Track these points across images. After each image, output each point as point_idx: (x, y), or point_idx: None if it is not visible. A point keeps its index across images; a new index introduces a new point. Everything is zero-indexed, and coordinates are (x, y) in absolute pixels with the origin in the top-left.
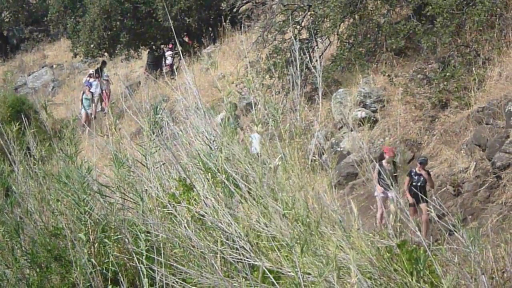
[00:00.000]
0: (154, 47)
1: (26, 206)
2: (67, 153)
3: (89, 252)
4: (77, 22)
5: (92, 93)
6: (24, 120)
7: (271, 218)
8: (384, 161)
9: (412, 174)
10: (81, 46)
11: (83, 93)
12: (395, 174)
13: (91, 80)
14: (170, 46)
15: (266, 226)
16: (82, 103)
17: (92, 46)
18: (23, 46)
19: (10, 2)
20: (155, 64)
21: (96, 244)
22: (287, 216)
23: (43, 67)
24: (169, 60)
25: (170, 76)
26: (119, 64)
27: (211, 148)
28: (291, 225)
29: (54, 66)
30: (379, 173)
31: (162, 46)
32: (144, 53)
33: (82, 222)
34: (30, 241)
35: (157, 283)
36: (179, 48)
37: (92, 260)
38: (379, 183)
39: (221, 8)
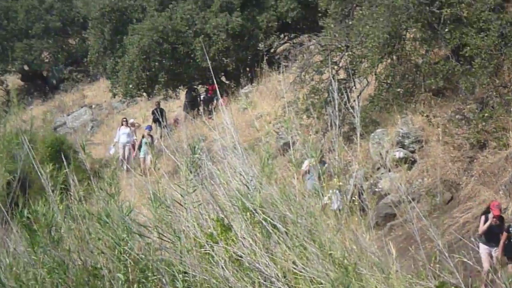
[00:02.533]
0: (192, 87)
1: (68, 245)
2: (108, 192)
3: None
4: (116, 62)
5: (120, 142)
6: (63, 160)
7: (309, 259)
8: (489, 215)
9: (511, 230)
10: (120, 87)
11: (143, 136)
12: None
13: (122, 127)
14: (209, 88)
15: (304, 268)
16: (139, 147)
17: (130, 86)
18: (62, 86)
19: (50, 43)
20: (192, 104)
21: (134, 284)
22: (325, 257)
23: (82, 107)
24: (204, 99)
25: (208, 115)
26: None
27: (248, 188)
28: (330, 267)
29: (93, 106)
30: (487, 229)
31: (199, 86)
32: (182, 93)
33: (121, 262)
34: (73, 281)
35: None
36: (217, 88)
37: None
38: (485, 239)
39: (258, 48)
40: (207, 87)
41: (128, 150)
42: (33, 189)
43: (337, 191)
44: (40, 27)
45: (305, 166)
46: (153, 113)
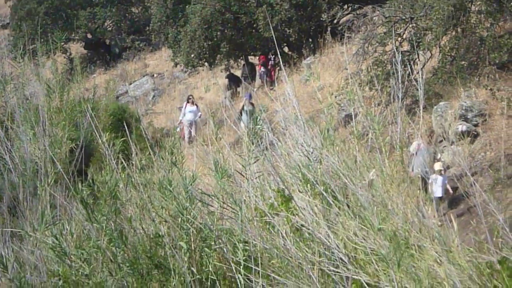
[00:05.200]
0: (253, 56)
1: (128, 214)
2: (172, 161)
3: (190, 260)
4: (178, 32)
5: (185, 120)
6: (125, 128)
7: (369, 231)
8: None
9: None
10: (181, 56)
11: (243, 106)
12: None
13: (188, 105)
14: (262, 59)
15: (364, 239)
16: (241, 115)
17: (192, 56)
18: (124, 55)
19: (113, 11)
20: (246, 77)
21: (196, 253)
22: (383, 229)
23: (144, 76)
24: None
25: (269, 86)
26: (219, 74)
27: (309, 160)
28: (388, 238)
29: (155, 75)
30: None
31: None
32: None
33: (183, 230)
34: (133, 249)
35: None
36: (280, 59)
37: (192, 268)
38: None
39: (321, 19)
40: (262, 59)
41: (194, 128)
42: (96, 157)
43: (440, 176)
44: None
45: (413, 148)
46: (228, 77)
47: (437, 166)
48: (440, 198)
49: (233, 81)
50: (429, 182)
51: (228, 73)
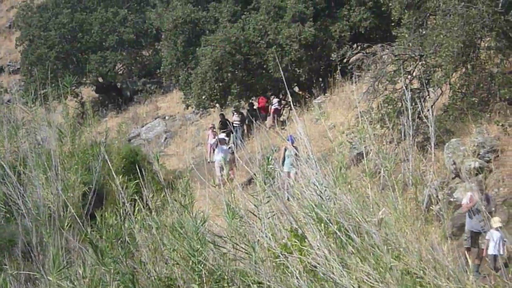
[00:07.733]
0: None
1: (140, 256)
2: (182, 203)
3: None
4: (189, 74)
5: (216, 160)
6: (138, 171)
7: (382, 270)
8: None
9: None
10: (193, 98)
11: (285, 149)
12: None
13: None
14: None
15: (378, 279)
16: (282, 162)
17: (203, 97)
18: (136, 98)
19: (124, 55)
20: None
21: None
22: (396, 268)
23: (156, 119)
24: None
25: (281, 126)
26: (229, 116)
27: (322, 199)
28: (401, 277)
29: (167, 117)
30: None
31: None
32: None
33: (196, 273)
34: None
35: None
36: (290, 99)
37: None
38: None
39: (331, 58)
40: (261, 102)
41: (225, 168)
42: (109, 200)
43: (497, 232)
44: (114, 39)
45: (465, 201)
46: (222, 123)
47: (495, 222)
48: (497, 256)
49: (224, 126)
50: (486, 238)
51: (221, 118)
